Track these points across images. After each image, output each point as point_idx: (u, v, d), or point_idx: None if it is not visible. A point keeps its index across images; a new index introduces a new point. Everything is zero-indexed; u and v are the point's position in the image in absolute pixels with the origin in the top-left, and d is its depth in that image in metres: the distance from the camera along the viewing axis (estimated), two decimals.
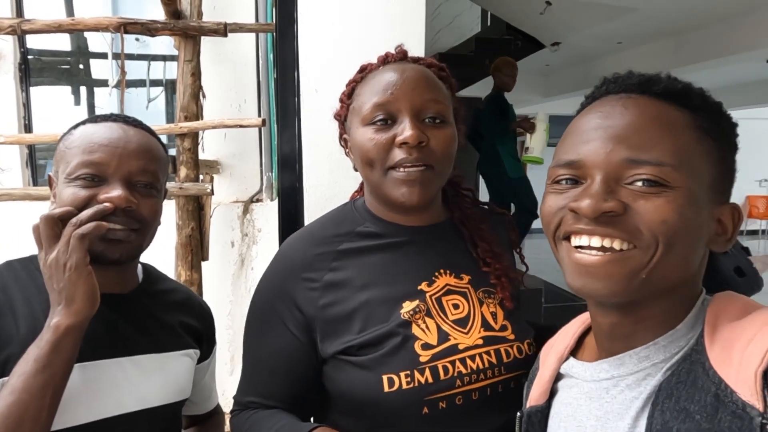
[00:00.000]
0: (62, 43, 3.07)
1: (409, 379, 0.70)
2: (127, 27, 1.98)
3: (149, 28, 2.01)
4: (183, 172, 2.11)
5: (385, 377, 0.70)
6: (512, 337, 0.77)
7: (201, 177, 2.26)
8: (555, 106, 7.82)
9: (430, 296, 0.76)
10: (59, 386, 0.67)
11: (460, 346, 0.73)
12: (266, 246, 2.83)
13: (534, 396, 0.63)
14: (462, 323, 0.75)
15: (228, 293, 2.86)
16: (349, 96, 0.83)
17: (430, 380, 0.70)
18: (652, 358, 0.52)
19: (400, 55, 0.82)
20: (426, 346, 0.72)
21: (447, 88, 0.82)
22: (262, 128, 2.78)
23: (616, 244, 0.49)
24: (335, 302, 0.76)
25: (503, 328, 0.77)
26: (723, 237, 0.53)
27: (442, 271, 0.79)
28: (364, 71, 0.83)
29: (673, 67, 4.94)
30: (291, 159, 1.52)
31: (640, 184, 0.49)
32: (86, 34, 3.04)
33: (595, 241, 0.50)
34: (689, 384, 0.47)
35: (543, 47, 4.80)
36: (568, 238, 0.53)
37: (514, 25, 4.57)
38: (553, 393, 0.62)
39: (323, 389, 0.79)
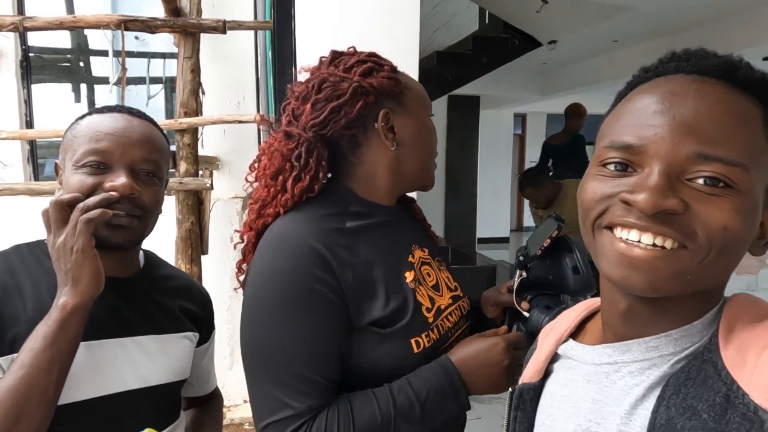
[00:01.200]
0: (63, 40, 3.10)
1: (428, 339, 0.80)
2: (127, 24, 2.01)
3: (149, 26, 2.04)
4: (183, 167, 2.14)
5: (413, 341, 0.78)
6: (462, 294, 0.94)
7: (200, 172, 2.29)
8: (554, 105, 7.86)
9: (416, 267, 0.87)
10: (66, 362, 0.71)
11: (442, 307, 0.87)
12: None
13: (528, 374, 0.63)
14: (436, 288, 0.88)
15: (227, 288, 2.88)
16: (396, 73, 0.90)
17: (438, 337, 0.82)
18: (661, 350, 0.50)
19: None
20: (428, 310, 0.83)
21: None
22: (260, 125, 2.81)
23: (668, 243, 0.45)
24: (358, 275, 0.77)
25: (456, 288, 0.93)
26: (762, 240, 0.49)
27: (415, 245, 0.90)
28: (390, 63, 0.91)
29: None
30: None
31: (701, 182, 0.44)
32: (87, 31, 3.07)
33: (647, 238, 0.45)
34: (699, 382, 0.46)
35: (540, 45, 4.82)
36: (611, 227, 0.48)
37: (511, 23, 4.60)
38: (548, 374, 0.62)
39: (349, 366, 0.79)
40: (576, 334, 0.62)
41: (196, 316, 0.95)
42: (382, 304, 0.77)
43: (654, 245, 0.45)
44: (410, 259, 0.86)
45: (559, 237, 0.84)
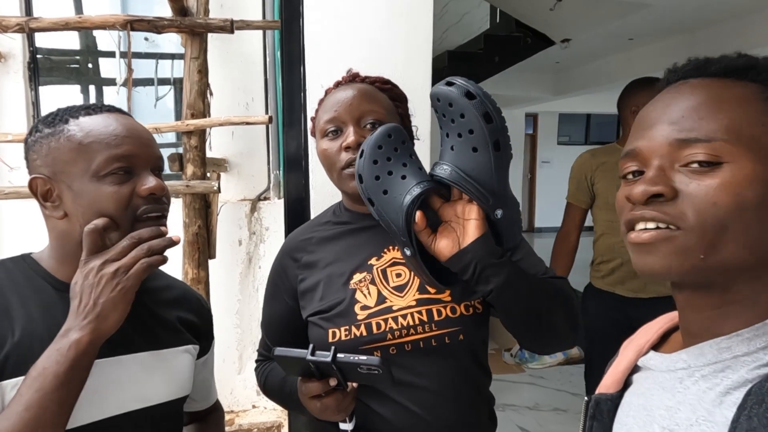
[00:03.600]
0: (71, 42, 3.08)
1: (347, 332, 0.89)
2: (133, 24, 1.98)
3: (156, 26, 2.00)
4: (190, 169, 2.11)
5: (330, 331, 0.90)
6: (448, 299, 0.90)
7: (208, 175, 2.25)
8: (566, 104, 7.76)
9: (377, 268, 0.93)
10: (74, 400, 0.66)
11: (394, 307, 0.89)
12: (274, 244, 2.81)
13: (605, 384, 0.63)
14: (400, 289, 0.91)
15: (236, 292, 2.86)
16: (315, 116, 1.00)
17: (365, 333, 0.88)
18: (734, 350, 0.49)
19: (349, 78, 0.99)
20: (364, 308, 0.90)
21: (390, 97, 0.98)
22: (270, 127, 2.77)
23: (662, 225, 0.50)
24: (306, 278, 0.97)
25: (440, 292, 0.90)
26: None
27: (390, 247, 0.95)
28: (326, 94, 0.99)
29: None
30: (297, 156, 1.50)
31: (696, 165, 0.48)
32: (95, 32, 3.05)
33: (644, 224, 0.51)
34: None
35: (553, 44, 4.74)
36: (631, 228, 0.53)
37: (523, 21, 4.52)
38: (627, 385, 0.61)
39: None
40: (659, 345, 0.62)
41: (196, 327, 0.91)
42: (318, 298, 0.93)
43: (654, 228, 0.50)
44: (372, 260, 0.94)
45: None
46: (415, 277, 0.91)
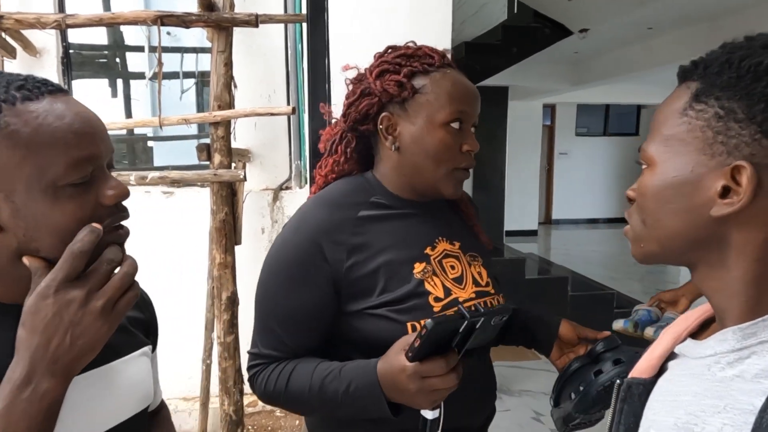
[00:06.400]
0: (100, 37, 3.19)
1: None
2: (163, 20, 2.06)
3: (184, 20, 2.09)
4: (217, 159, 2.19)
5: (409, 324, 0.83)
6: (493, 291, 0.95)
7: (234, 165, 2.34)
8: (584, 95, 7.71)
9: (434, 259, 0.90)
10: None
11: (460, 299, 0.89)
12: None
13: (639, 368, 0.63)
14: (458, 281, 0.91)
15: None
16: (409, 78, 0.86)
17: None
18: (760, 336, 0.48)
19: (450, 60, 0.91)
20: (437, 299, 0.87)
21: None
22: (291, 118, 2.85)
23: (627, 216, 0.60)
24: (358, 263, 0.85)
25: (487, 285, 0.94)
26: (725, 200, 0.50)
27: (440, 238, 0.93)
28: (424, 61, 0.87)
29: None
30: None
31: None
32: (122, 28, 3.16)
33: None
34: None
35: (571, 34, 4.73)
36: None
37: (541, 12, 4.52)
38: (663, 372, 0.61)
39: (339, 336, 0.89)
40: (699, 334, 0.62)
41: (145, 324, 0.81)
42: (380, 288, 0.85)
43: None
44: (427, 250, 0.90)
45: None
46: (468, 269, 0.93)
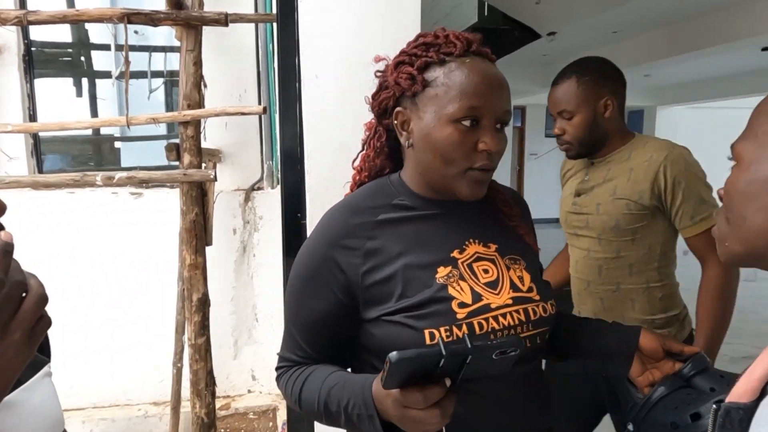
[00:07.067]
0: (63, 34, 3.11)
1: (448, 333, 0.76)
2: (130, 17, 2.03)
3: (152, 18, 2.06)
4: (186, 158, 2.17)
5: (427, 332, 0.77)
6: (537, 297, 0.85)
7: (204, 165, 2.31)
8: None
9: (462, 262, 0.83)
10: None
11: (492, 305, 0.80)
12: (267, 233, 2.89)
13: (737, 392, 0.58)
14: (492, 285, 0.83)
15: (231, 279, 2.92)
16: (421, 70, 0.80)
17: (470, 334, 0.77)
18: None
19: (478, 46, 0.82)
20: (462, 305, 0.79)
21: None
22: (263, 117, 2.83)
23: None
24: (374, 268, 0.81)
25: (530, 290, 0.85)
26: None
27: (471, 240, 0.86)
28: (443, 50, 0.80)
29: (669, 55, 4.98)
30: (293, 144, 1.57)
31: None
32: (87, 25, 3.08)
33: None
34: None
35: (539, 37, 4.83)
36: None
37: (510, 15, 4.61)
38: (763, 395, 0.57)
39: (359, 343, 0.86)
40: None
41: None
42: (398, 293, 0.80)
43: None
44: (455, 253, 0.84)
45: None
46: (505, 273, 0.85)
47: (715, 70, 6.79)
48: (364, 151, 0.93)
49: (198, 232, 2.20)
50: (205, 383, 2.26)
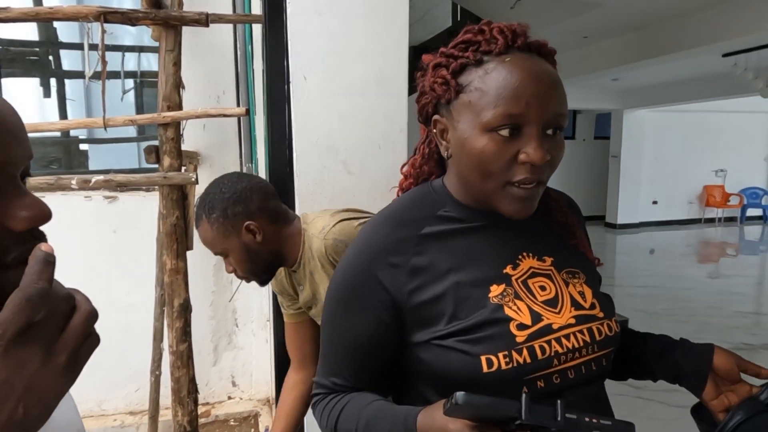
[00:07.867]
0: (30, 33, 3.00)
1: (507, 359, 0.69)
2: (107, 16, 1.97)
3: (130, 18, 2.00)
4: (167, 161, 2.12)
5: (483, 358, 0.69)
6: (601, 315, 0.77)
7: (184, 167, 2.27)
8: None
9: (516, 279, 0.75)
10: None
11: (554, 326, 0.72)
12: None
13: None
14: (552, 303, 0.75)
15: (210, 284, 2.87)
16: (456, 75, 0.72)
17: (528, 360, 0.70)
18: None
19: (523, 40, 0.72)
20: (521, 327, 0.71)
21: None
22: (242, 119, 2.79)
23: None
24: (422, 286, 0.74)
25: (592, 307, 0.77)
26: None
27: (525, 254, 0.78)
28: (483, 48, 0.71)
29: (636, 60, 5.14)
30: (281, 146, 1.56)
31: None
32: (56, 24, 2.98)
33: None
34: None
35: None
36: None
37: (483, 19, 4.67)
38: None
39: (404, 368, 0.79)
40: None
41: None
42: (449, 314, 0.72)
43: None
44: (507, 270, 0.76)
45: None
46: (564, 290, 0.77)
47: (680, 75, 7.05)
48: (414, 156, 0.86)
49: (179, 236, 2.15)
50: (188, 390, 2.21)
